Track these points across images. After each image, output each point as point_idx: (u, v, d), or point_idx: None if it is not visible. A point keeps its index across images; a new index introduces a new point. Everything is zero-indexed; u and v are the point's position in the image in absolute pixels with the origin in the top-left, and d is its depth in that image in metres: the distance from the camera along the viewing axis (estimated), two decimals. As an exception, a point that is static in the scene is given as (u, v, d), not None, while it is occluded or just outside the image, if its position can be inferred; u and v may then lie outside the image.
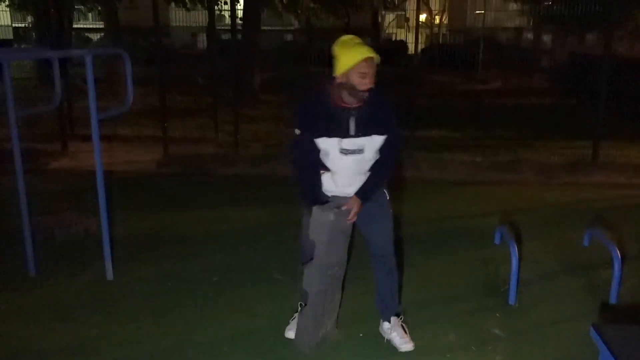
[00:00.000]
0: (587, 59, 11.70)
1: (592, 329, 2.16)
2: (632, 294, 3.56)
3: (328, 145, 2.67)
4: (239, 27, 9.86)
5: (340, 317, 3.13)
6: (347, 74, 2.56)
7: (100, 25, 18.74)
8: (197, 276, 3.81)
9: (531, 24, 19.85)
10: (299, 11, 13.02)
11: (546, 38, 21.51)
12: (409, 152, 6.95)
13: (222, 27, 13.84)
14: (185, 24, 14.67)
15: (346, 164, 2.71)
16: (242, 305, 3.41)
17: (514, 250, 3.39)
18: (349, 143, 2.66)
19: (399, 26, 27.29)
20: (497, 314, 3.32)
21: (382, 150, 2.75)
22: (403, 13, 26.68)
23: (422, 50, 23.37)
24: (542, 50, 21.16)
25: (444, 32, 28.59)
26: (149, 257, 4.13)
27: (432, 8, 30.10)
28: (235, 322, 3.22)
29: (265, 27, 20.05)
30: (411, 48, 23.60)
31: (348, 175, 2.75)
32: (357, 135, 2.66)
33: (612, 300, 3.44)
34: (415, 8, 30.17)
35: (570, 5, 13.75)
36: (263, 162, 6.88)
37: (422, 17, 32.00)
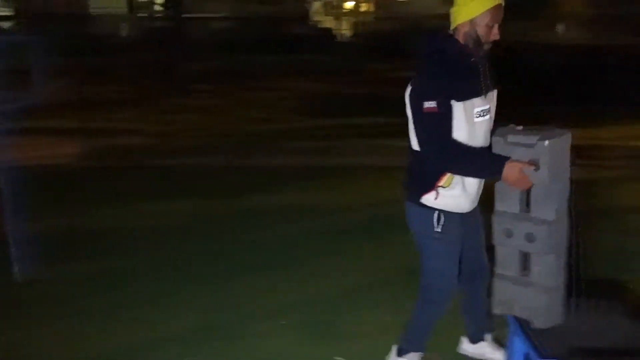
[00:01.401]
0: (512, 45, 12.17)
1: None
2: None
3: (469, 109, 2.19)
4: (161, 15, 9.60)
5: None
6: (474, 21, 2.18)
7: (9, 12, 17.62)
8: (118, 274, 3.67)
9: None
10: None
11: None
12: (342, 139, 7.00)
13: (144, 15, 13.37)
14: (105, 12, 14.08)
15: (482, 130, 2.25)
16: (163, 302, 3.32)
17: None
18: (483, 102, 2.24)
19: (327, 14, 27.30)
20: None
21: None
22: (330, 1, 26.70)
23: (352, 37, 23.59)
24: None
25: (372, 19, 28.86)
26: (64, 256, 3.93)
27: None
28: (154, 322, 3.12)
29: (195, 15, 19.58)
30: (340, 36, 23.86)
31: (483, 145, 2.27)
32: (488, 91, 2.27)
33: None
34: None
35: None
36: (193, 153, 6.73)
37: (349, 4, 32.22)
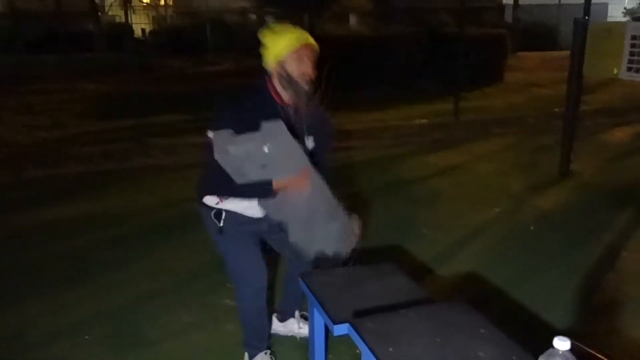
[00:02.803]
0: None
1: (300, 280, 2.34)
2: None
3: None
4: None
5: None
6: (282, 62, 2.18)
7: None
8: None
9: (253, 6, 20.73)
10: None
11: (269, 19, 22.77)
12: (134, 140, 6.71)
13: None
14: None
15: None
16: None
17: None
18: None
19: (123, 8, 25.81)
20: (228, 285, 3.41)
21: None
22: (123, -6, 25.29)
23: (150, 32, 22.64)
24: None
25: (171, 14, 28.02)
26: None
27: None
28: None
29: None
30: (137, 31, 22.75)
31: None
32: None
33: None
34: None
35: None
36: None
37: (147, -2, 30.85)
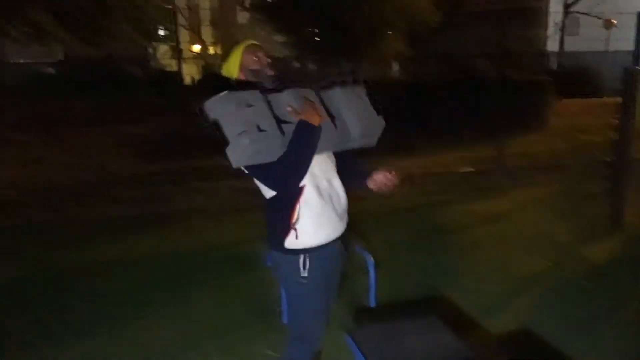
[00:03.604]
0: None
1: (346, 336, 2.30)
2: (387, 295, 3.92)
3: None
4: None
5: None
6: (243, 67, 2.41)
7: None
8: None
9: (296, 54, 21.25)
10: (50, 41, 11.95)
11: (312, 66, 23.28)
12: (181, 184, 6.85)
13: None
14: None
15: None
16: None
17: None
18: None
19: (172, 57, 26.99)
20: (272, 336, 3.37)
21: None
22: (174, 45, 26.46)
23: (198, 81, 23.46)
24: (309, 78, 22.84)
25: (220, 63, 29.07)
26: None
27: (204, 39, 30.50)
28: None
29: (18, 60, 18.05)
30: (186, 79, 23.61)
31: None
32: None
33: (371, 304, 3.74)
34: (187, 40, 30.19)
35: (329, 37, 15.08)
36: (18, 210, 6.10)
37: (196, 47, 32.23)
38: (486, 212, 6.06)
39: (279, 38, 20.76)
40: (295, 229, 2.25)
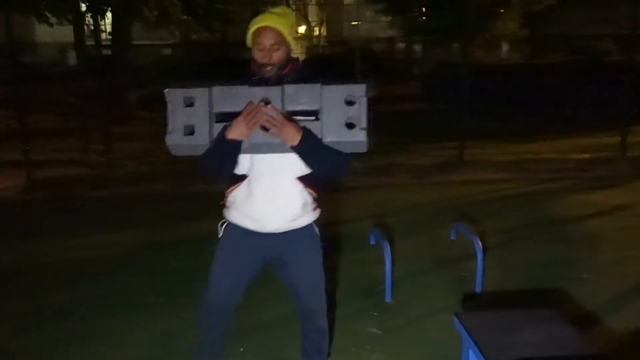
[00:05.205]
0: (452, 66, 12.62)
1: (455, 319, 2.28)
2: (495, 282, 3.83)
3: None
4: (108, 42, 9.46)
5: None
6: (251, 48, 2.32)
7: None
8: (63, 309, 3.52)
9: (402, 34, 20.91)
10: (172, 24, 12.68)
11: (417, 47, 22.82)
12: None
13: (92, 43, 13.08)
14: (52, 39, 13.72)
15: None
16: (110, 335, 3.21)
17: (387, 251, 3.52)
18: None
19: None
20: (375, 313, 3.43)
21: None
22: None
23: (303, 61, 23.86)
24: (413, 59, 22.41)
25: (323, 43, 29.28)
26: (7, 292, 3.78)
27: (310, 20, 30.81)
28: (102, 355, 3.02)
29: (140, 42, 19.35)
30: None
31: None
32: None
33: (477, 289, 3.67)
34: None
35: (436, 17, 14.72)
36: (138, 181, 6.60)
37: (301, 28, 32.66)
38: (604, 203, 5.67)
39: (386, 18, 20.54)
40: (225, 200, 2.41)
